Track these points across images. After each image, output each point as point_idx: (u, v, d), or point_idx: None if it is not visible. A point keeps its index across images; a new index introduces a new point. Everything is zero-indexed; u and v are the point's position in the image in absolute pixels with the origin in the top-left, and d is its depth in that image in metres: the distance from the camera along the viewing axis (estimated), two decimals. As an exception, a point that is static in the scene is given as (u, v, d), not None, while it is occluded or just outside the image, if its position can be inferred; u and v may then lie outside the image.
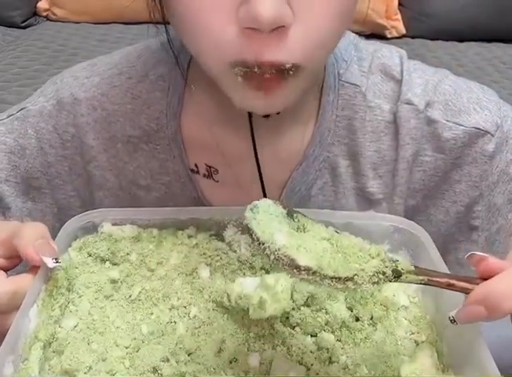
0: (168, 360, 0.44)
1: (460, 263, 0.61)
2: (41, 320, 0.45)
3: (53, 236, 0.49)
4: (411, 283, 0.40)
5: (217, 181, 0.61)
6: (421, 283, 0.40)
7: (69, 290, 0.49)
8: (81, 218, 0.53)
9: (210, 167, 0.61)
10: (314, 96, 0.58)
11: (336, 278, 0.38)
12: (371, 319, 0.48)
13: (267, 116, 0.54)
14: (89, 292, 0.49)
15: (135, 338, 0.46)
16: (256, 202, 0.41)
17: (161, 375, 0.43)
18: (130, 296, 0.49)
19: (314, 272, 0.38)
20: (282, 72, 0.44)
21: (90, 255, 0.52)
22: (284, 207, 0.42)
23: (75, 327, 0.46)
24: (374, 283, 0.38)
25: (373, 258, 0.39)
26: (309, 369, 0.44)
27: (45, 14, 2.32)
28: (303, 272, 0.38)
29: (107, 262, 0.52)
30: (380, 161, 0.59)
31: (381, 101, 0.58)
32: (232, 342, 0.45)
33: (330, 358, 0.45)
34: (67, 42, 2.09)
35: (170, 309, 0.49)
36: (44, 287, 0.46)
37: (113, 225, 0.54)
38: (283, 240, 0.38)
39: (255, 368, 0.44)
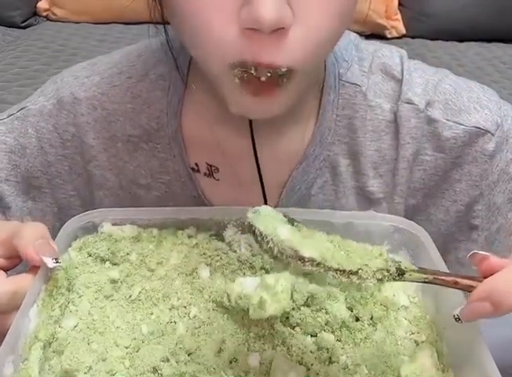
0: (168, 360, 0.44)
1: (460, 262, 0.61)
2: (41, 320, 0.45)
3: (53, 236, 0.49)
4: (415, 281, 0.40)
5: (218, 180, 0.61)
6: (425, 282, 0.40)
7: (69, 290, 0.49)
8: (81, 218, 0.53)
9: (210, 166, 0.61)
10: (314, 95, 0.58)
11: (340, 270, 0.38)
12: (371, 319, 0.48)
13: None
14: (89, 292, 0.49)
15: (135, 338, 0.46)
16: (257, 207, 0.41)
17: (161, 375, 0.43)
18: (130, 296, 0.49)
19: (318, 264, 0.38)
20: (277, 78, 0.44)
21: (90, 255, 0.52)
22: (284, 216, 0.42)
23: (75, 327, 0.46)
24: (378, 279, 0.38)
25: (376, 257, 0.39)
26: (309, 369, 0.44)
27: (45, 14, 2.32)
28: (307, 264, 0.38)
29: (107, 262, 0.52)
30: (380, 160, 0.59)
31: (381, 101, 0.58)
32: (232, 342, 0.45)
33: (330, 358, 0.45)
34: (67, 42, 2.09)
35: (170, 309, 0.49)
36: (44, 287, 0.46)
37: (113, 225, 0.54)
38: (287, 233, 0.39)
39: (255, 368, 0.44)
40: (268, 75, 0.44)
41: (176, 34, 0.56)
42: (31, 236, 0.45)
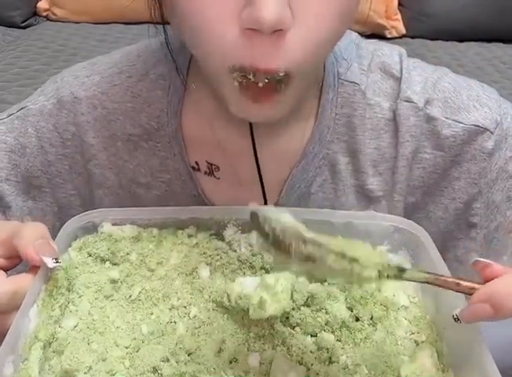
0: (168, 360, 0.44)
1: (459, 260, 0.61)
2: (41, 320, 0.45)
3: (53, 236, 0.49)
4: (415, 281, 0.40)
5: (218, 178, 0.61)
6: (426, 282, 0.40)
7: (69, 290, 0.49)
8: (81, 218, 0.53)
9: (211, 164, 0.61)
10: (314, 94, 0.58)
11: (342, 254, 0.37)
12: (371, 319, 0.48)
13: None
14: (89, 292, 0.49)
15: (135, 338, 0.46)
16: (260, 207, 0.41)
17: (161, 375, 0.43)
18: (130, 296, 0.49)
19: (320, 245, 0.37)
20: (275, 84, 0.44)
21: (90, 255, 0.52)
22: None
23: (75, 327, 0.46)
24: (379, 272, 0.38)
25: (377, 255, 0.39)
26: (309, 369, 0.44)
27: (45, 14, 2.32)
28: (309, 245, 0.37)
29: (107, 262, 0.52)
30: (380, 158, 0.59)
31: (380, 99, 0.58)
32: (232, 342, 0.45)
33: (330, 358, 0.45)
34: (67, 42, 2.09)
35: (170, 309, 0.49)
36: (44, 287, 0.46)
37: (113, 225, 0.54)
38: (290, 218, 0.39)
39: (255, 368, 0.44)
40: (266, 81, 0.44)
41: (176, 34, 0.56)
42: (31, 236, 0.45)
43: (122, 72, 0.61)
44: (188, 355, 0.45)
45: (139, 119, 0.60)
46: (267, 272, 0.51)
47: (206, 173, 0.61)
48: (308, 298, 0.47)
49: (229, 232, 0.53)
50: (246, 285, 0.46)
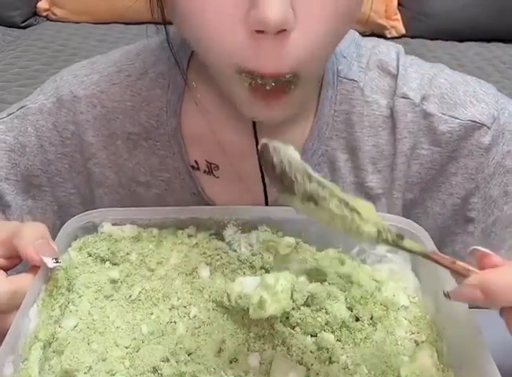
0: (168, 360, 0.44)
1: (457, 255, 0.61)
2: (41, 320, 0.45)
3: (54, 234, 0.49)
4: (412, 252, 0.39)
5: (218, 177, 0.61)
6: (422, 255, 0.39)
7: (69, 290, 0.49)
8: (81, 218, 0.53)
9: (210, 164, 0.61)
10: (314, 92, 0.59)
11: (345, 202, 0.37)
12: (371, 319, 0.48)
13: None
14: (89, 292, 0.49)
15: (135, 338, 0.46)
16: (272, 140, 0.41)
17: (161, 375, 0.43)
18: (130, 296, 0.49)
19: (324, 186, 0.37)
20: (283, 85, 0.45)
21: (90, 255, 0.52)
22: None
23: (75, 327, 0.46)
24: (378, 232, 0.38)
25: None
26: (309, 369, 0.44)
27: (45, 14, 2.33)
28: (314, 183, 0.37)
29: (107, 262, 0.52)
30: (379, 155, 0.59)
31: (378, 96, 0.59)
32: (232, 342, 0.45)
33: (330, 358, 0.45)
34: (67, 42, 2.09)
35: (170, 309, 0.49)
36: (44, 287, 0.46)
37: (113, 224, 0.54)
38: (298, 156, 0.39)
39: (255, 368, 0.44)
40: (273, 84, 0.44)
41: (178, 33, 0.56)
42: (31, 236, 0.45)
43: (122, 71, 0.61)
44: (188, 355, 0.45)
45: (138, 118, 0.60)
46: (267, 272, 0.51)
47: (205, 172, 0.61)
48: (308, 297, 0.47)
49: (229, 232, 0.53)
50: (246, 285, 0.46)
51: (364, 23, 1.86)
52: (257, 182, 0.60)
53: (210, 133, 0.60)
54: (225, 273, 0.51)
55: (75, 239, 0.53)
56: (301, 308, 0.47)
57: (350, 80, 0.59)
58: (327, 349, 0.45)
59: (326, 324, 0.47)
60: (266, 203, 0.62)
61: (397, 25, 2.18)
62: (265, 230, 0.53)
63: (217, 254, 0.52)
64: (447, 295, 0.38)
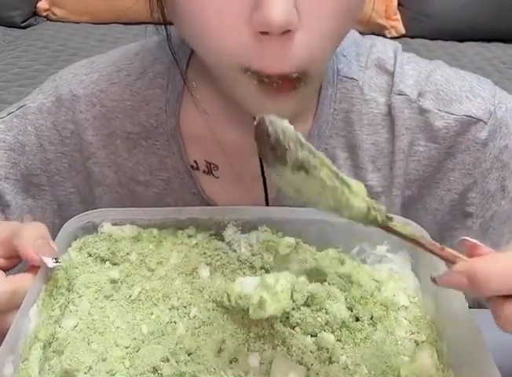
0: (168, 360, 0.44)
1: (456, 250, 0.61)
2: (41, 320, 0.45)
3: (54, 234, 0.49)
4: (401, 235, 0.39)
5: (217, 177, 0.61)
6: (411, 239, 0.39)
7: (69, 290, 0.49)
8: (81, 218, 0.53)
9: (209, 163, 0.61)
10: (314, 91, 0.59)
11: (335, 172, 0.37)
12: (371, 319, 0.48)
13: None
14: (89, 292, 0.49)
15: (135, 338, 0.46)
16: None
17: (161, 375, 0.43)
18: (130, 296, 0.49)
19: (315, 155, 0.37)
20: (291, 82, 0.45)
21: (90, 255, 0.52)
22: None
23: (75, 327, 0.46)
24: (368, 209, 0.38)
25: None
26: (309, 369, 0.44)
27: (45, 14, 2.33)
28: (305, 150, 0.38)
29: (107, 262, 0.52)
30: (378, 154, 0.59)
31: (376, 94, 0.59)
32: (232, 342, 0.45)
33: (330, 358, 0.45)
34: (67, 42, 2.09)
35: (170, 309, 0.49)
36: (44, 287, 0.46)
37: (113, 225, 0.54)
38: (292, 128, 0.39)
39: (255, 368, 0.44)
40: (280, 82, 0.44)
41: (177, 33, 0.56)
42: (31, 236, 0.45)
43: (121, 70, 0.61)
44: (188, 355, 0.45)
45: (138, 117, 0.60)
46: (267, 272, 0.51)
47: (204, 172, 0.61)
48: (308, 298, 0.47)
49: (229, 233, 0.53)
50: (246, 285, 0.46)
51: (364, 23, 1.86)
52: (257, 182, 0.60)
53: (209, 133, 0.60)
54: (225, 273, 0.51)
55: (75, 239, 0.53)
56: (301, 308, 0.47)
57: (350, 79, 0.59)
58: (327, 349, 0.45)
59: (326, 324, 0.47)
60: (266, 203, 0.62)
61: (397, 25, 2.18)
62: (265, 230, 0.53)
63: (217, 255, 0.52)
64: (433, 281, 0.38)
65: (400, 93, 0.58)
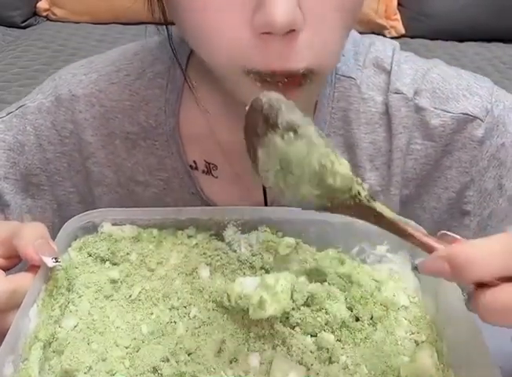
0: (168, 360, 0.44)
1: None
2: (41, 320, 0.45)
3: (53, 234, 0.49)
4: (383, 220, 0.39)
5: (217, 177, 0.61)
6: (392, 223, 0.39)
7: (69, 290, 0.49)
8: (81, 218, 0.53)
9: (208, 163, 0.61)
10: None
11: (322, 136, 0.39)
12: (371, 319, 0.48)
13: None
14: (89, 292, 0.49)
15: (135, 338, 0.46)
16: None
17: (161, 375, 0.43)
18: (130, 296, 0.49)
19: (306, 117, 0.39)
20: (296, 79, 0.44)
21: (90, 255, 0.52)
22: None
23: (75, 327, 0.46)
24: (352, 180, 0.39)
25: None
26: (309, 369, 0.44)
27: (45, 14, 2.33)
28: (297, 113, 0.39)
29: (107, 262, 0.52)
30: (376, 153, 0.59)
31: (374, 93, 0.59)
32: (232, 342, 0.45)
33: (330, 358, 0.45)
34: (67, 42, 2.09)
35: (170, 309, 0.49)
36: (44, 287, 0.46)
37: (113, 225, 0.54)
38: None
39: (255, 368, 0.44)
40: (286, 80, 0.44)
41: (177, 33, 0.56)
42: (31, 236, 0.45)
43: (120, 70, 0.61)
44: (188, 355, 0.45)
45: (137, 117, 0.60)
46: (267, 272, 0.51)
47: (203, 172, 0.61)
48: (308, 298, 0.47)
49: (229, 233, 0.53)
50: (246, 285, 0.46)
51: (364, 23, 1.87)
52: (256, 182, 0.60)
53: (208, 133, 0.60)
54: (225, 274, 0.51)
55: (75, 239, 0.53)
56: (301, 308, 0.47)
57: (348, 77, 0.59)
58: (327, 349, 0.45)
59: (326, 324, 0.46)
60: (265, 203, 0.62)
61: (397, 25, 2.18)
62: (265, 230, 0.53)
63: (217, 255, 0.52)
64: (415, 268, 0.38)
65: (397, 92, 0.58)
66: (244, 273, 0.51)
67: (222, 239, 0.53)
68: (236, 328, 0.47)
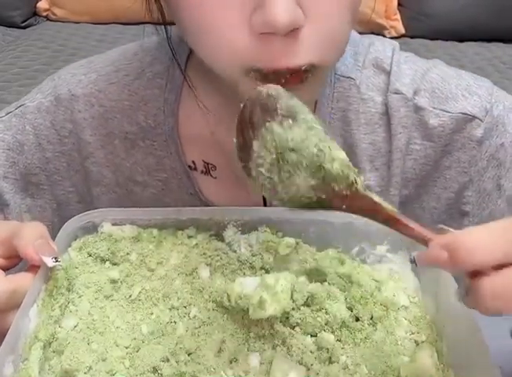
0: (168, 360, 0.44)
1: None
2: (41, 320, 0.45)
3: (53, 233, 0.49)
4: (376, 210, 0.39)
5: (215, 178, 0.61)
6: (386, 213, 0.39)
7: (69, 290, 0.49)
8: (81, 218, 0.53)
9: (207, 164, 0.61)
10: None
11: (319, 121, 0.39)
12: (371, 319, 0.48)
13: None
14: (89, 292, 0.49)
15: (135, 338, 0.46)
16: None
17: (161, 375, 0.43)
18: (130, 296, 0.49)
19: (303, 105, 0.40)
20: (299, 75, 0.44)
21: (90, 255, 0.52)
22: None
23: (75, 327, 0.46)
24: (349, 168, 0.39)
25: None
26: (308, 369, 0.44)
27: (45, 14, 2.33)
28: (295, 99, 0.40)
29: (107, 262, 0.52)
30: (376, 153, 0.59)
31: (373, 94, 0.59)
32: (232, 342, 0.45)
33: (330, 358, 0.45)
34: (67, 42, 2.09)
35: (170, 309, 0.49)
36: (44, 287, 0.46)
37: (113, 225, 0.54)
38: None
39: (255, 368, 0.44)
40: (288, 76, 0.44)
41: (177, 32, 0.56)
42: (31, 236, 0.45)
43: (119, 70, 0.61)
44: (188, 355, 0.45)
45: (136, 117, 0.60)
46: (267, 272, 0.51)
47: (202, 172, 0.61)
48: (308, 298, 0.47)
49: (229, 233, 0.53)
50: (246, 285, 0.46)
51: (364, 23, 1.86)
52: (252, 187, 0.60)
53: (207, 133, 0.60)
54: (225, 274, 0.51)
55: (75, 239, 0.53)
56: (301, 308, 0.47)
57: (347, 78, 0.59)
58: (327, 349, 0.45)
59: (326, 324, 0.46)
60: (264, 204, 0.62)
61: (397, 25, 2.18)
62: (265, 231, 0.53)
63: (217, 255, 0.52)
64: (413, 261, 0.37)
65: (397, 92, 0.58)
66: (244, 273, 0.51)
67: (222, 240, 0.53)
68: (236, 328, 0.47)
